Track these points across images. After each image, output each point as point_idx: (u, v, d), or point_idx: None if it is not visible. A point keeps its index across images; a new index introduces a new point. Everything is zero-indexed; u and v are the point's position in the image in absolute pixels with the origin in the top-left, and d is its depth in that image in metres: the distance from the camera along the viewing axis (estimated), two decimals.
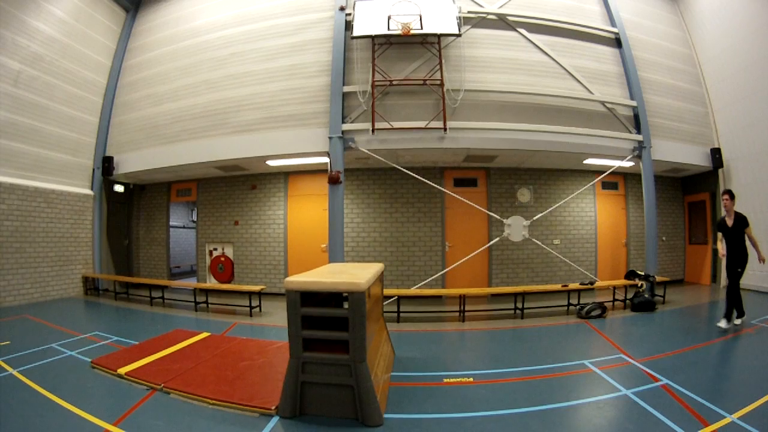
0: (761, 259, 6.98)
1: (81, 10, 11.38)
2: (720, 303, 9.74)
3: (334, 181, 9.12)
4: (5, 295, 9.40)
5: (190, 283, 11.91)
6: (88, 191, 11.74)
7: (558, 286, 9.33)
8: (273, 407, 3.90)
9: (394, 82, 9.48)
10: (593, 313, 8.21)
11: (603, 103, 10.31)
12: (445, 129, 9.22)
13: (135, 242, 13.56)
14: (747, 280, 10.75)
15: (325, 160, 9.65)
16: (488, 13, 10.16)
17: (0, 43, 9.51)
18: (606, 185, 12.06)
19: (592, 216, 12.01)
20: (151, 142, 11.32)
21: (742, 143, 11.03)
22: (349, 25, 9.88)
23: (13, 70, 9.77)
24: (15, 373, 4.92)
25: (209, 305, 9.68)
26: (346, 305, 3.82)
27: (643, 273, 9.56)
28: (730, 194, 7.21)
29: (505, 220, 9.93)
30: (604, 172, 10.49)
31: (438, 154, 10.14)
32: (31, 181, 10.13)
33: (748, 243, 7.11)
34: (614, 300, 9.43)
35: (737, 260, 7.06)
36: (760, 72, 10.48)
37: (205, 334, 6.76)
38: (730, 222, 7.12)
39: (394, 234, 11.24)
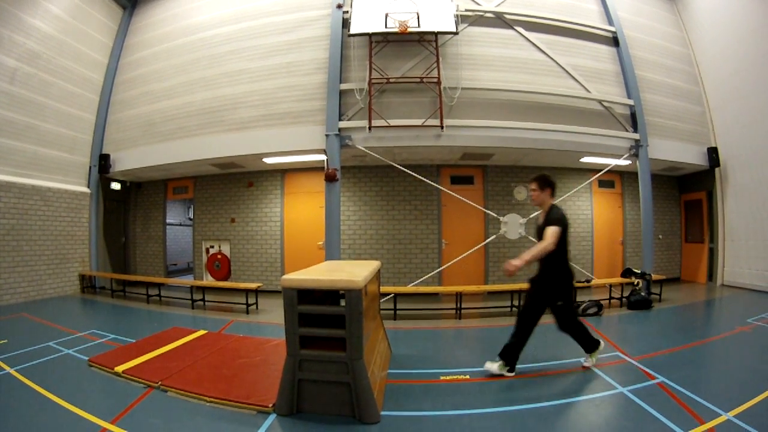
0: (508, 268, 4.34)
1: (78, 7, 11.33)
2: (716, 302, 9.79)
3: (330, 178, 9.12)
4: (2, 293, 9.36)
5: (187, 280, 11.87)
6: (85, 189, 11.71)
7: None
8: (270, 405, 3.90)
9: (391, 80, 9.47)
10: (590, 311, 8.23)
11: (600, 101, 10.32)
12: (441, 127, 9.22)
13: (132, 240, 13.54)
14: (741, 278, 10.87)
15: (322, 157, 9.64)
16: (485, 11, 10.16)
17: None
18: (602, 183, 12.08)
19: (589, 214, 12.03)
20: (148, 139, 11.28)
21: (739, 143, 11.06)
22: (346, 23, 9.85)
23: (9, 68, 9.72)
24: (12, 371, 4.91)
25: (206, 303, 9.66)
26: (342, 303, 3.82)
27: (639, 271, 9.58)
28: (540, 182, 5.04)
29: (501, 218, 9.94)
30: (601, 170, 10.52)
31: (435, 151, 10.16)
32: (27, 179, 10.08)
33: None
34: (610, 298, 9.44)
35: (551, 279, 4.81)
36: (758, 71, 10.50)
37: (202, 332, 6.77)
38: (541, 219, 5.02)
39: (391, 231, 11.25)
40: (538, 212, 10.12)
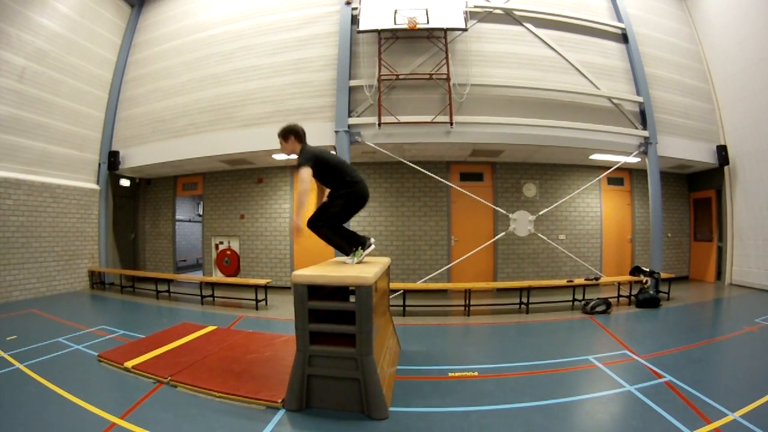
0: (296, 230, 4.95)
1: (86, 5, 11.37)
2: (724, 301, 9.73)
3: None
4: (12, 289, 9.45)
5: (196, 276, 11.95)
6: (94, 186, 11.78)
7: (563, 282, 9.33)
8: (279, 400, 3.92)
9: (400, 77, 9.45)
10: (598, 309, 8.20)
11: (609, 98, 10.25)
12: (451, 123, 9.20)
13: (141, 236, 13.62)
14: (750, 278, 10.78)
15: None
16: (495, 8, 10.11)
17: (4, 39, 9.51)
18: (612, 181, 12.00)
19: (598, 211, 11.97)
20: (157, 136, 11.34)
21: (749, 140, 10.94)
22: (355, 19, 9.86)
23: (18, 66, 9.76)
24: (22, 367, 4.96)
25: (215, 299, 9.70)
26: (352, 299, 3.83)
27: (648, 269, 9.54)
28: (283, 136, 4.93)
29: (510, 215, 9.91)
30: (610, 167, 10.45)
31: (444, 148, 10.14)
32: (37, 176, 10.15)
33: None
34: (619, 296, 9.41)
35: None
36: None
37: (211, 328, 6.80)
38: None
39: (401, 228, 11.25)
40: (547, 209, 10.19)
